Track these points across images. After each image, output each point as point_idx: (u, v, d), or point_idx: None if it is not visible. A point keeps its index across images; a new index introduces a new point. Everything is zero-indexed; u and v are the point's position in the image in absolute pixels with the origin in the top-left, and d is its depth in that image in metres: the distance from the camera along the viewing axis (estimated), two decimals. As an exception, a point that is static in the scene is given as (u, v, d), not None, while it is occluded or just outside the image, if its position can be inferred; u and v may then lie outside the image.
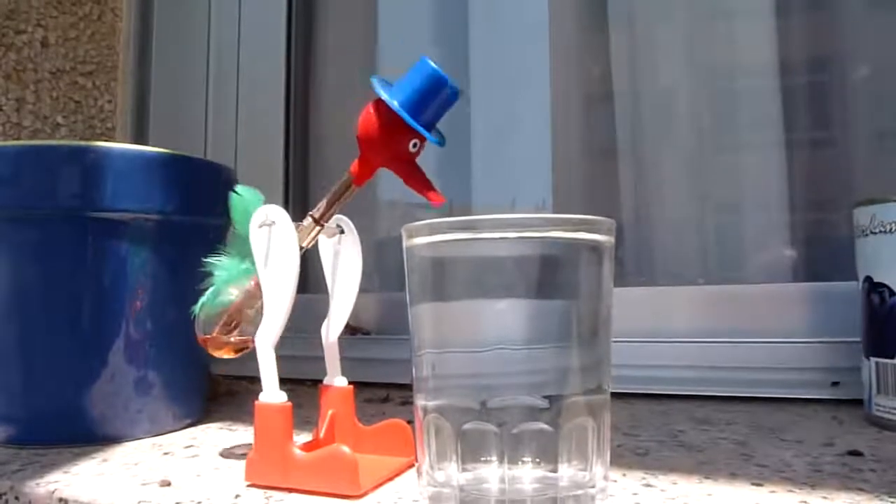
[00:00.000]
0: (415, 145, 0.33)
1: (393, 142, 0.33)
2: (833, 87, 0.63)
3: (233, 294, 0.36)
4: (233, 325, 0.36)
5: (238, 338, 0.36)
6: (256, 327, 0.33)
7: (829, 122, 0.64)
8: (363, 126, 0.33)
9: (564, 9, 0.70)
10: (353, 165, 0.35)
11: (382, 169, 0.35)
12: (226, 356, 0.37)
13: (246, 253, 0.35)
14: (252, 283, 0.36)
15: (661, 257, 0.66)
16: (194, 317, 0.37)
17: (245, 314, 0.36)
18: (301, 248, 0.34)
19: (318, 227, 0.36)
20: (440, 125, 0.34)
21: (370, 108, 0.33)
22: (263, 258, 0.33)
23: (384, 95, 0.32)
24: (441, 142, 0.34)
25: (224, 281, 0.36)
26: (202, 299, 0.36)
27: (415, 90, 0.32)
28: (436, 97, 0.32)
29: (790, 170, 0.62)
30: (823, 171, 0.63)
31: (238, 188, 0.37)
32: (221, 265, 0.36)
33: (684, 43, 0.67)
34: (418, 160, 0.34)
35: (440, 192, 0.34)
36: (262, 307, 0.34)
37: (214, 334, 0.36)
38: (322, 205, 0.36)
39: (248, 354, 0.36)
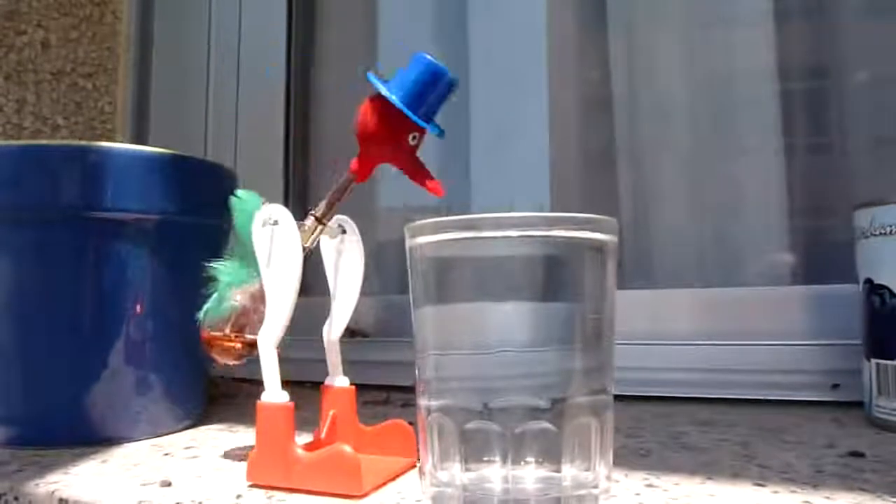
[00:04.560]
0: (414, 138, 0.33)
1: (392, 136, 0.33)
2: (831, 93, 0.64)
3: (237, 298, 0.36)
4: (239, 329, 0.36)
5: (243, 341, 0.36)
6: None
7: (827, 127, 0.64)
8: (362, 122, 0.33)
9: (563, 12, 0.70)
10: (353, 163, 0.35)
11: (382, 170, 0.35)
12: (229, 361, 0.36)
13: (249, 256, 0.35)
14: (257, 286, 0.35)
15: (660, 261, 0.66)
16: (198, 323, 0.36)
17: (251, 318, 0.36)
18: (304, 248, 0.34)
19: (320, 227, 0.36)
20: (439, 120, 0.34)
21: (367, 105, 0.33)
22: (266, 258, 0.33)
23: (383, 90, 0.32)
24: (440, 131, 0.34)
25: (228, 285, 0.36)
26: (206, 305, 0.36)
27: (412, 82, 0.32)
28: (433, 89, 0.33)
29: (789, 175, 0.62)
30: (821, 176, 0.63)
31: (238, 192, 0.37)
32: (224, 269, 0.36)
33: (683, 48, 0.67)
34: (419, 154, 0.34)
35: (441, 185, 0.33)
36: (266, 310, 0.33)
37: (220, 336, 0.36)
38: (323, 203, 0.36)
39: (248, 357, 0.36)
